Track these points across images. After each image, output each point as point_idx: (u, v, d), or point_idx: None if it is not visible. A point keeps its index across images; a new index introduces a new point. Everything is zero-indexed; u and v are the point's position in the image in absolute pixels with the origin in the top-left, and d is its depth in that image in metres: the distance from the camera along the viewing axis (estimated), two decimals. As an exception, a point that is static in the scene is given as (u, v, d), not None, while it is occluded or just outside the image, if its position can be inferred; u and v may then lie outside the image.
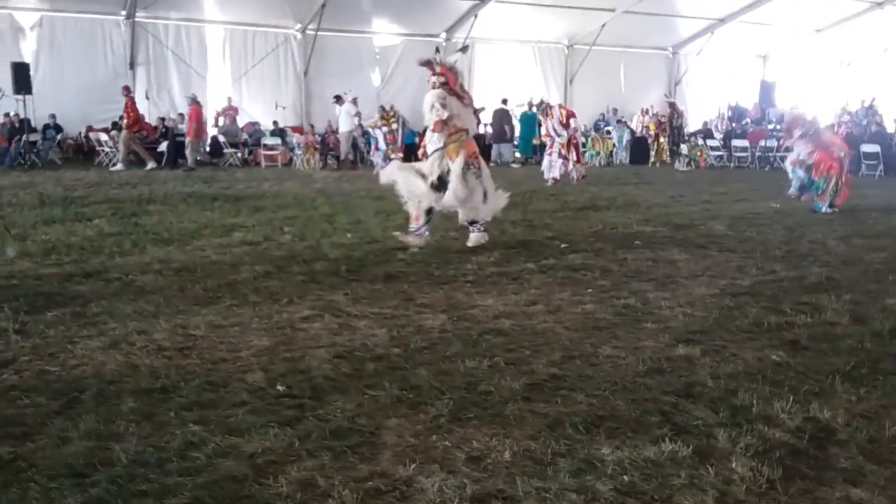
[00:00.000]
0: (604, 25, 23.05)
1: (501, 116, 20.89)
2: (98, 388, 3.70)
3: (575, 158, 14.67)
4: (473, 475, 2.89)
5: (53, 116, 18.44)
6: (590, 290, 5.86)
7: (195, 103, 17.23)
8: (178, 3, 18.88)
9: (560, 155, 14.45)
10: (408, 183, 7.42)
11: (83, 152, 19.06)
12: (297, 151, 19.11)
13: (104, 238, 7.82)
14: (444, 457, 3.04)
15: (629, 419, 3.40)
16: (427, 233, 7.54)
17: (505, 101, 20.71)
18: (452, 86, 7.31)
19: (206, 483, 2.80)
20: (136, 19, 19.15)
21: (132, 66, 19.55)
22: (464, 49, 7.88)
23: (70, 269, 6.43)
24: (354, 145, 18.80)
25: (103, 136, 18.46)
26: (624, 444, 3.15)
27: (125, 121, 17.04)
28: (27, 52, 18.43)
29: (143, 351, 4.30)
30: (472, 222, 7.61)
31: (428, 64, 7.56)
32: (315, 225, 9.06)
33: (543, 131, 14.86)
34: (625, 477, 2.88)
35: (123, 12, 19.01)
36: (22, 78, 16.62)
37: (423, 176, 7.38)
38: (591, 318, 5.09)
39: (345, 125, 18.30)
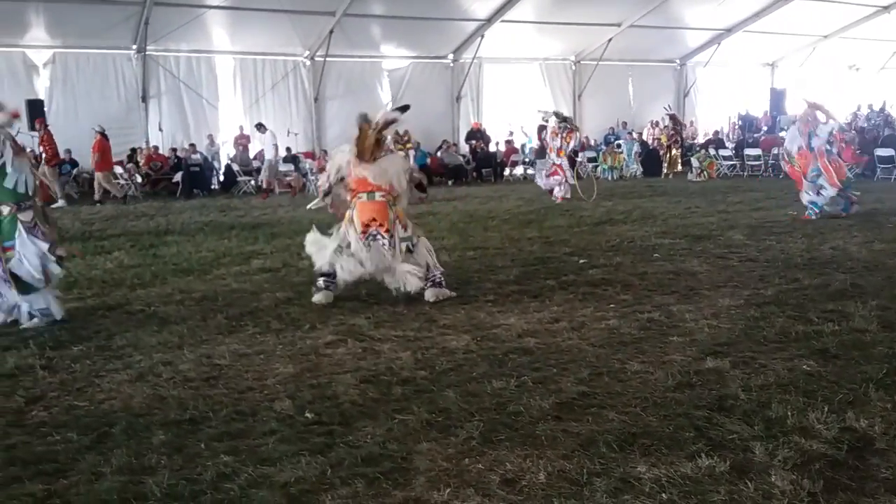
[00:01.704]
0: (610, 40, 23.13)
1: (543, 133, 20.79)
2: (127, 422, 3.71)
3: (570, 176, 14.67)
4: (509, 498, 2.86)
5: (69, 151, 18.57)
6: (612, 305, 5.82)
7: (102, 135, 17.06)
8: (187, 35, 19.06)
9: (554, 172, 14.42)
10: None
11: (99, 186, 19.17)
12: (311, 177, 19.21)
13: (125, 270, 7.86)
14: (478, 480, 3.01)
15: (663, 435, 3.36)
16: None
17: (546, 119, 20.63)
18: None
19: (242, 514, 2.79)
20: (147, 53, 19.35)
21: (144, 99, 19.75)
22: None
23: (92, 302, 6.47)
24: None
25: (118, 169, 18.63)
26: (660, 461, 3.11)
27: (44, 155, 16.85)
28: (41, 88, 18.65)
29: (170, 382, 4.31)
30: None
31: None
32: (332, 249, 9.05)
33: (557, 144, 14.64)
34: (663, 495, 2.84)
35: (134, 46, 19.22)
36: (36, 114, 16.80)
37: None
38: (615, 333, 5.06)
39: (268, 153, 18.41)
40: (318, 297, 6.23)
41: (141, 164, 19.31)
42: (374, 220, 6.15)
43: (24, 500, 2.95)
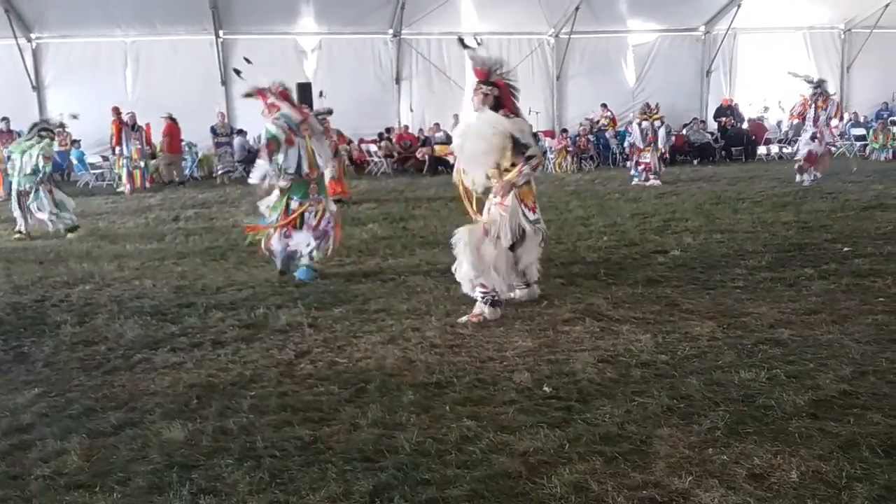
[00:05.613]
0: (887, 5, 20.66)
1: None
2: (381, 380, 4.02)
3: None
4: (757, 493, 2.72)
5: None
6: (881, 299, 5.27)
7: (171, 120, 17.56)
8: (439, 18, 19.86)
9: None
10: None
11: (355, 163, 20.69)
12: (550, 155, 19.27)
13: (377, 241, 8.45)
14: (722, 472, 2.89)
15: (941, 446, 3.01)
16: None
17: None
18: (508, 107, 5.42)
19: (483, 477, 2.91)
20: (402, 36, 20.48)
21: (398, 80, 20.95)
22: None
23: (350, 269, 7.04)
24: None
25: (373, 147, 19.99)
26: (936, 474, 2.79)
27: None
28: (309, 71, 20.44)
29: (418, 347, 4.59)
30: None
31: (485, 73, 5.47)
32: (570, 228, 9.09)
33: (811, 114, 13.23)
34: (939, 512, 2.55)
35: (391, 31, 20.44)
36: (305, 96, 18.47)
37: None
38: (884, 330, 4.58)
39: None
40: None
41: (393, 141, 20.50)
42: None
43: (293, 442, 3.30)
